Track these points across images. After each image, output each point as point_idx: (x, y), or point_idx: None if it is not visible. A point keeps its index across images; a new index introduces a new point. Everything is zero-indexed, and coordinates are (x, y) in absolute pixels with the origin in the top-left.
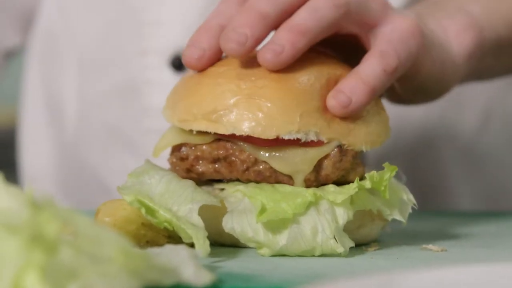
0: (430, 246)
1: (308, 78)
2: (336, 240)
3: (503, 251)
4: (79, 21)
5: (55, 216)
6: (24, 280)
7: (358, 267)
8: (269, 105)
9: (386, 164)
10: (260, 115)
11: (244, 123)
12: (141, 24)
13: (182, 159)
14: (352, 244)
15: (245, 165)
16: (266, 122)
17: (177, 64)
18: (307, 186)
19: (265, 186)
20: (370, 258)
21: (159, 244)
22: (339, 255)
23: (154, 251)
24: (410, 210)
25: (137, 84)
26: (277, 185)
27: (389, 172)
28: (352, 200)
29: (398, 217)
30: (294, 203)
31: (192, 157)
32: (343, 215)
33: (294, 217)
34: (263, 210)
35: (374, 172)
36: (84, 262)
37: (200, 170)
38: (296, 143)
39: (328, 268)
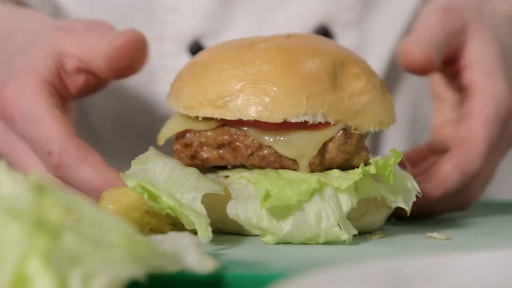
0: (434, 234)
1: (313, 61)
2: (340, 227)
3: (507, 239)
4: (91, 8)
5: (59, 202)
6: (27, 265)
7: (362, 254)
8: (275, 89)
9: (392, 150)
10: (267, 99)
11: (251, 107)
12: (157, 10)
13: (187, 145)
14: (356, 232)
15: (249, 150)
16: (273, 106)
17: (195, 50)
18: (312, 170)
19: (269, 172)
20: (374, 246)
21: (163, 232)
22: (343, 242)
23: (157, 238)
24: (414, 198)
25: (153, 70)
26: (281, 172)
27: (394, 157)
28: (356, 187)
29: (402, 204)
30: (298, 190)
31: (196, 143)
32: (347, 203)
33: (299, 204)
34: (267, 196)
35: (378, 157)
36: (87, 248)
37: (205, 156)
38: (302, 126)
39: (332, 255)
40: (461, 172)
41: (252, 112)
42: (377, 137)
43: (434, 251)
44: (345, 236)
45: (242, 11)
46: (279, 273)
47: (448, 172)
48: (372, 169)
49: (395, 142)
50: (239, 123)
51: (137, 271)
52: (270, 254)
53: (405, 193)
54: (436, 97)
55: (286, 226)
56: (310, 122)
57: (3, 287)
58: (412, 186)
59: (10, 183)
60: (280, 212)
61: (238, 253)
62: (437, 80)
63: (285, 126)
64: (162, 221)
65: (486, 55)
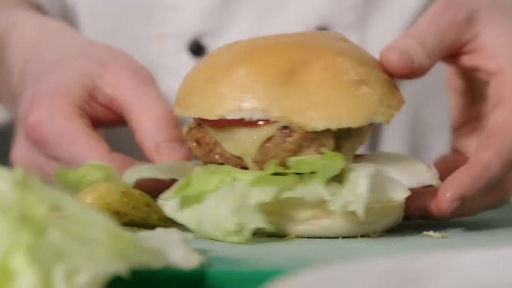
0: (430, 232)
1: (266, 58)
2: (242, 218)
3: (505, 237)
4: (92, 5)
5: (44, 198)
6: (11, 260)
7: (352, 252)
8: (221, 87)
9: (324, 149)
10: (209, 96)
11: (195, 105)
12: (157, 8)
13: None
14: (260, 225)
15: (208, 148)
16: (211, 102)
17: (195, 49)
18: (259, 168)
19: (216, 168)
20: (366, 244)
21: (143, 211)
22: (335, 240)
23: (144, 235)
24: (363, 204)
25: (154, 69)
26: (222, 168)
27: (324, 158)
28: (287, 182)
29: (338, 208)
30: (205, 183)
31: (189, 140)
32: (259, 195)
33: (205, 197)
34: (181, 188)
35: (304, 156)
36: (72, 243)
37: (194, 153)
38: (244, 123)
39: (322, 252)
40: (503, 160)
41: (194, 109)
42: (376, 137)
43: (431, 250)
44: (235, 224)
45: (243, 9)
46: (264, 271)
47: (489, 161)
48: (292, 168)
49: (394, 144)
50: (199, 121)
51: (121, 267)
52: (259, 250)
53: (356, 198)
54: (452, 87)
55: (195, 221)
56: (247, 119)
57: None
58: (368, 190)
59: None
60: (190, 208)
61: (227, 249)
62: (451, 69)
63: (228, 123)
64: (138, 202)
65: (509, 40)
